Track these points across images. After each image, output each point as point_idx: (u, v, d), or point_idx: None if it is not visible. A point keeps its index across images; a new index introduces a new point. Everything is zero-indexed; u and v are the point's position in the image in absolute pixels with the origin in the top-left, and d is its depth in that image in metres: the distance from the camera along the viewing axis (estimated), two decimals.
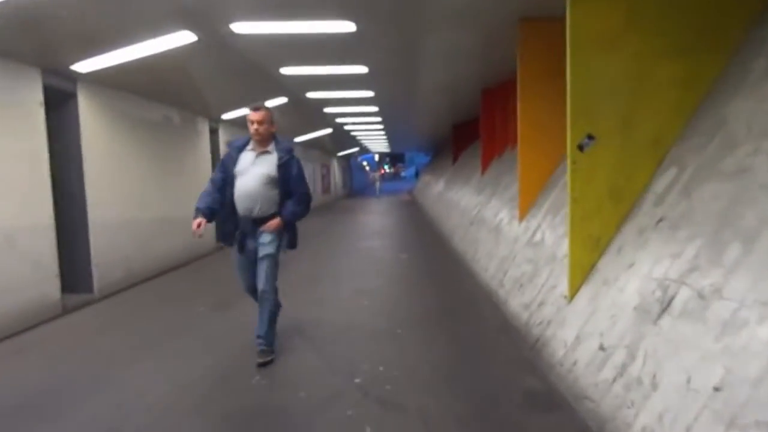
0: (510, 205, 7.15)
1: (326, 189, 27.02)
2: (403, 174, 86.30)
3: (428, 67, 9.10)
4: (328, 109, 12.87)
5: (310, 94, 10.49)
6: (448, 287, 6.83)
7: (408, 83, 10.28)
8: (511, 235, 6.26)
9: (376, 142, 26.96)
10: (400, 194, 35.30)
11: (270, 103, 10.56)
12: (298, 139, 18.12)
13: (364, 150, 35.53)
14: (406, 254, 9.51)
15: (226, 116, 10.65)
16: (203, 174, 9.72)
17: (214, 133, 10.75)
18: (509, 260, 5.77)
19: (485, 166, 10.87)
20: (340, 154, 31.67)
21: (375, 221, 17.11)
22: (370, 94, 10.58)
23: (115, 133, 7.15)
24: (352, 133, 20.43)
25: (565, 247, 4.44)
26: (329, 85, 9.81)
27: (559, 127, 6.22)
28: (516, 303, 4.88)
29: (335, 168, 31.40)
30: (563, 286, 3.94)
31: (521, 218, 6.17)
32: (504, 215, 7.19)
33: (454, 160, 18.18)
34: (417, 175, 51.02)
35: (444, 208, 14.08)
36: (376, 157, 77.92)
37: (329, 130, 17.82)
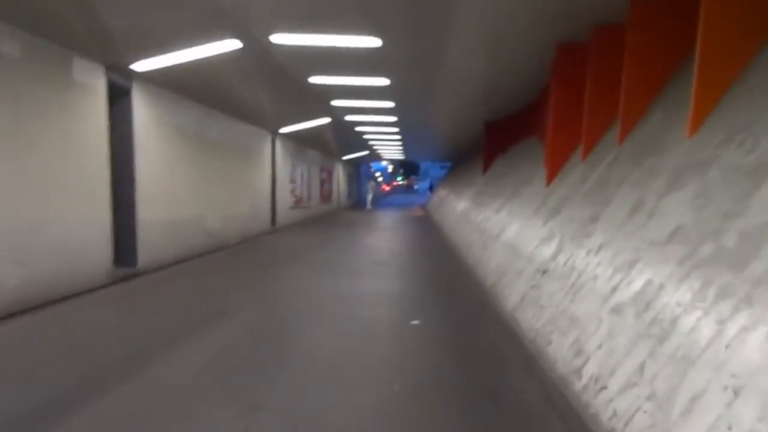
0: (688, 256, 2.93)
1: (326, 197, 22.92)
2: (416, 187, 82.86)
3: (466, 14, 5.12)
4: (315, 79, 8.72)
5: (276, 38, 6.35)
6: None
7: (434, 49, 6.17)
8: None
9: (389, 145, 22.78)
10: (412, 208, 31.15)
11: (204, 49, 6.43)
12: (284, 130, 14.02)
13: (375, 155, 31.39)
14: (420, 320, 5.28)
15: (143, 66, 6.52)
16: (84, 163, 5.62)
17: (121, 95, 6.65)
18: None
19: (554, 172, 6.68)
20: (346, 157, 27.57)
21: (378, 243, 12.92)
22: (376, 41, 6.44)
23: None
24: (357, 129, 16.30)
25: None
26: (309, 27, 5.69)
27: None
28: None
29: (339, 173, 27.32)
30: None
31: None
32: (667, 280, 2.96)
33: (486, 168, 14.03)
34: (432, 189, 47.54)
35: (475, 234, 9.87)
36: (390, 168, 74.36)
37: (326, 120, 13.70)
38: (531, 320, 4.56)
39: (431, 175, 65.96)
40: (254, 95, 9.72)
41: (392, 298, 6.30)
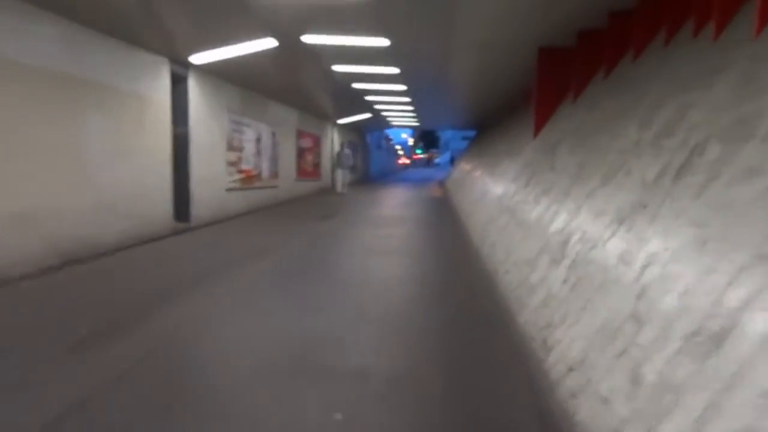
0: None
1: (308, 172, 17.21)
2: (437, 160, 77.80)
3: None
4: None
5: None
6: None
7: None
8: None
9: (395, 104, 16.75)
10: (429, 185, 25.41)
11: None
12: (203, 59, 8.30)
13: (383, 120, 25.36)
14: None
15: None
16: None
17: None
18: None
19: None
20: (343, 121, 21.77)
21: (348, 263, 7.27)
22: None
23: None
24: (336, 68, 10.42)
25: None
26: None
27: None
28: None
29: (332, 141, 21.52)
30: None
31: None
32: None
33: (540, 124, 8.20)
34: (452, 162, 42.19)
35: (551, 269, 4.07)
36: (410, 141, 68.27)
37: (273, 44, 7.92)
38: None
39: (452, 147, 60.23)
40: None
41: None
